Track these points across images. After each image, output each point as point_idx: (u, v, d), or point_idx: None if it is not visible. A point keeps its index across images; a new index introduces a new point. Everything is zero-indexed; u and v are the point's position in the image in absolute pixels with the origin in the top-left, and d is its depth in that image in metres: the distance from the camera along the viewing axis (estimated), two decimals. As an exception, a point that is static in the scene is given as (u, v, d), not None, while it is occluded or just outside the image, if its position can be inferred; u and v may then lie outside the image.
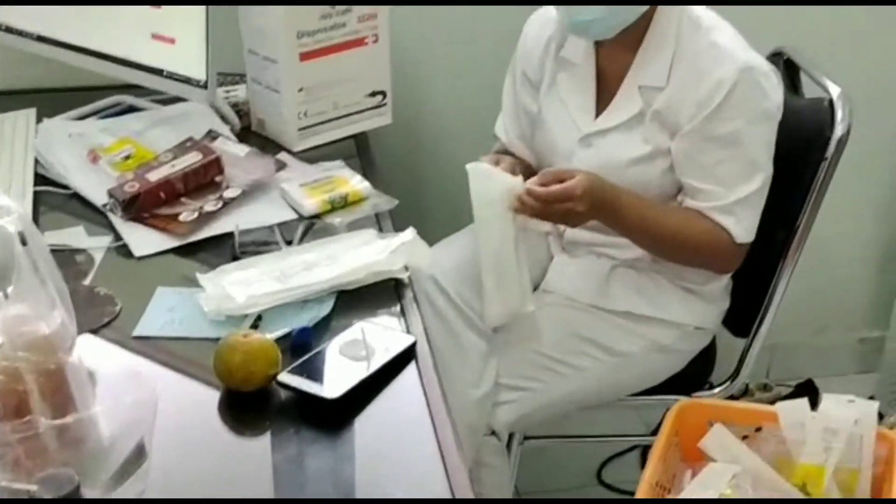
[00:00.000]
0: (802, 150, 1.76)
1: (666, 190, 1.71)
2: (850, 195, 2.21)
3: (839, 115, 1.74)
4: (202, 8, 1.66)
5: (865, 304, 2.63)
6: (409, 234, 1.45)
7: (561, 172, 1.59)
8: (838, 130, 1.74)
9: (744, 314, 1.88)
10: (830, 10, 2.24)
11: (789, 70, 1.92)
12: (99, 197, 1.60)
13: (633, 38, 1.66)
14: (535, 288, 1.78)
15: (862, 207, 2.48)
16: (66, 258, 1.44)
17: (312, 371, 1.21)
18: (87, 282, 1.42)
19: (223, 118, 1.84)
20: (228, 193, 1.60)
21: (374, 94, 1.87)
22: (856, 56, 2.24)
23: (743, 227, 1.66)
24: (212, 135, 1.74)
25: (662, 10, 1.65)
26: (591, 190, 1.57)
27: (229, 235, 1.50)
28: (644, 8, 1.62)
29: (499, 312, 1.67)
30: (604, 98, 1.73)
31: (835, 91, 1.77)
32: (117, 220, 1.55)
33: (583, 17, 1.60)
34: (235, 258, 1.46)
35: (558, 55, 1.77)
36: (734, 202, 1.64)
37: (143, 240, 1.52)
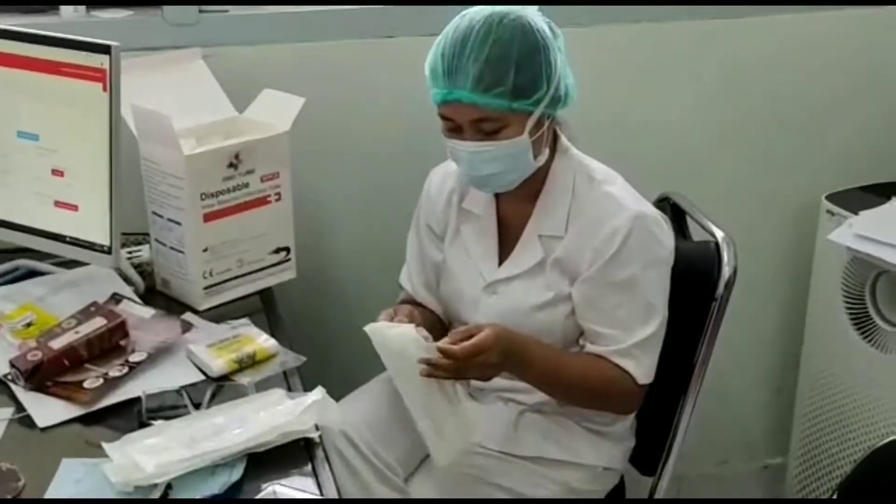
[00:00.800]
0: (694, 291, 1.84)
1: (568, 334, 1.76)
2: (742, 327, 2.30)
3: (725, 257, 1.83)
4: (106, 176, 1.67)
5: (765, 432, 2.70)
6: (318, 392, 1.46)
7: (468, 329, 1.62)
8: (726, 271, 1.83)
9: (649, 452, 1.92)
10: (711, 157, 2.39)
11: (676, 215, 2.02)
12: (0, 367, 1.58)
13: (531, 189, 1.74)
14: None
15: (753, 339, 2.57)
16: (-35, 433, 1.41)
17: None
18: (-12, 457, 1.39)
19: (127, 280, 1.85)
20: (134, 358, 1.60)
21: (278, 250, 1.90)
22: (735, 199, 2.37)
23: (643, 370, 1.71)
24: (116, 298, 1.74)
25: (558, 165, 1.74)
26: (501, 340, 1.61)
27: (136, 401, 1.49)
28: (541, 162, 1.69)
29: (446, 452, 1.67)
30: (506, 246, 1.80)
31: (719, 234, 1.87)
32: (19, 390, 1.53)
33: (483, 172, 1.67)
34: (143, 425, 1.45)
35: (460, 207, 1.83)
36: (633, 345, 1.70)
37: (47, 410, 1.49)
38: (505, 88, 1.58)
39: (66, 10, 2.00)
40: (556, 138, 1.75)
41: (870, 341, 2.29)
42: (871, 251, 2.16)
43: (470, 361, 1.59)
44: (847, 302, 2.32)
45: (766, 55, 2.35)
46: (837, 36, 2.38)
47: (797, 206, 2.48)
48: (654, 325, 1.71)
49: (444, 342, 1.59)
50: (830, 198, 2.37)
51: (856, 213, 2.26)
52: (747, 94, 2.38)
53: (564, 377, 1.72)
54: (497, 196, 1.80)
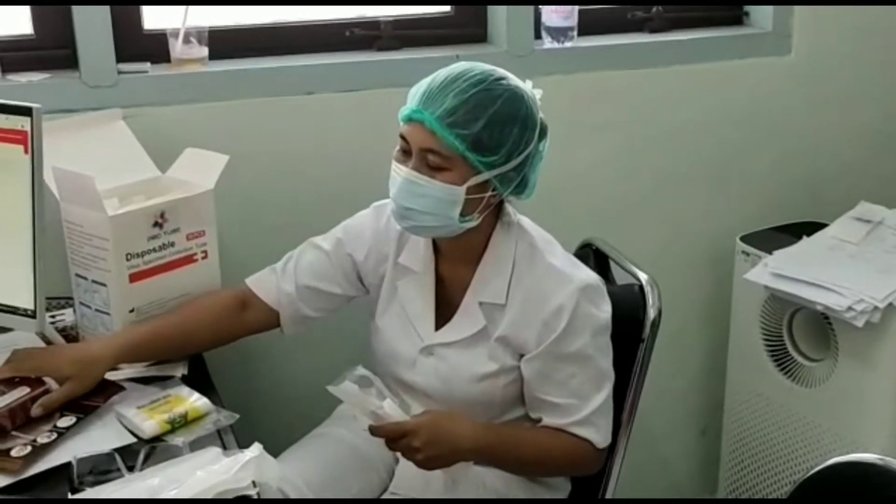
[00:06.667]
0: (621, 334, 1.86)
1: (508, 400, 1.77)
2: (665, 371, 2.34)
3: (650, 299, 1.88)
4: (28, 239, 1.64)
5: (692, 472, 2.74)
6: (256, 449, 1.44)
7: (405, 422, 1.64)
8: (651, 313, 1.87)
9: (584, 496, 1.94)
10: (627, 204, 2.45)
11: (599, 260, 2.06)
12: (-79, 439, 1.53)
13: (471, 255, 1.74)
14: (384, 490, 1.79)
15: (677, 381, 2.62)
16: None
17: None
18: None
19: (50, 344, 1.80)
20: (62, 423, 1.56)
21: (205, 308, 1.88)
22: (652, 244, 2.44)
23: (602, 434, 1.74)
24: (41, 363, 1.70)
25: (500, 235, 1.74)
26: (423, 428, 1.61)
27: (66, 467, 1.45)
28: (466, 226, 1.67)
29: None
30: (444, 308, 1.79)
31: (643, 277, 1.91)
32: (-58, 462, 1.48)
33: (406, 203, 1.65)
34: (74, 490, 1.41)
35: (396, 262, 1.81)
36: (590, 413, 1.72)
37: (-27, 480, 1.45)
38: (467, 133, 1.60)
39: (-19, 74, 1.98)
40: (501, 211, 1.75)
41: (790, 376, 2.36)
42: (787, 289, 2.23)
43: (395, 444, 1.62)
44: (766, 340, 2.39)
45: (678, 105, 2.44)
46: (739, 86, 2.49)
47: (713, 248, 2.56)
48: (606, 390, 1.74)
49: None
50: (745, 239, 2.45)
51: (770, 252, 2.34)
52: (661, 142, 2.46)
53: (525, 456, 1.74)
54: (436, 255, 1.79)
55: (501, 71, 1.67)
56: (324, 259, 1.84)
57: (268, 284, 1.85)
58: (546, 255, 1.74)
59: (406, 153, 1.66)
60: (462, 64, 1.67)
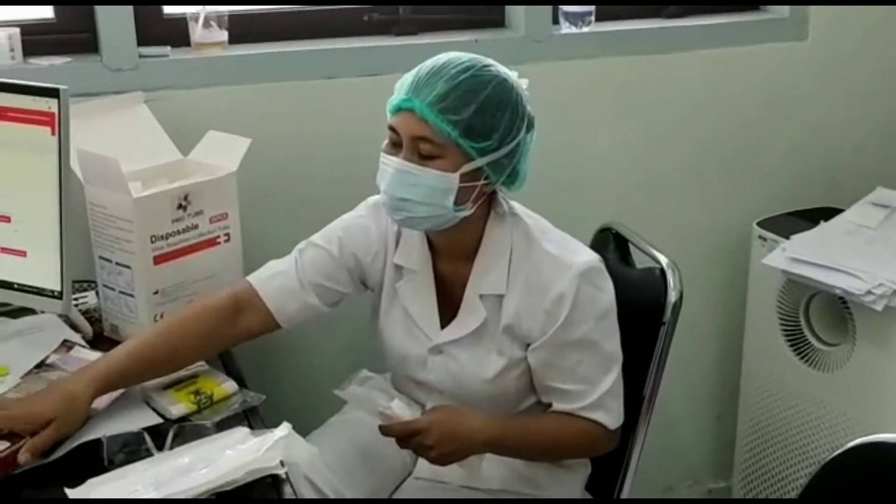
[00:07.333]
0: (642, 319, 1.87)
1: (521, 390, 1.77)
2: (682, 355, 2.34)
3: (671, 282, 1.87)
4: (55, 220, 1.65)
5: (708, 456, 2.75)
6: (284, 429, 1.45)
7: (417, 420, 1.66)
8: (672, 296, 1.86)
9: (604, 478, 1.94)
10: (645, 189, 2.46)
11: (619, 243, 2.07)
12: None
13: (467, 250, 1.72)
14: (408, 474, 1.80)
15: (693, 366, 2.63)
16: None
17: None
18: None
19: (74, 327, 1.82)
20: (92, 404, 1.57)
21: (228, 291, 1.89)
22: (669, 230, 2.43)
23: (614, 416, 1.74)
24: (67, 345, 1.71)
25: (495, 227, 1.72)
26: (434, 425, 1.62)
27: (94, 447, 1.46)
28: (461, 215, 1.64)
29: None
30: (446, 306, 1.76)
31: (664, 260, 1.91)
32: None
33: (399, 194, 1.62)
34: (105, 468, 1.42)
35: (393, 262, 1.78)
36: (600, 397, 1.72)
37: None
38: (459, 118, 1.57)
39: (3, 58, 1.98)
40: (493, 202, 1.73)
41: (806, 361, 2.36)
42: (806, 273, 2.24)
43: (406, 442, 1.63)
44: (783, 324, 2.39)
45: (695, 90, 2.45)
46: (756, 71, 2.49)
47: (729, 233, 2.56)
48: (615, 372, 1.74)
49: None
50: (762, 224, 2.45)
51: (786, 237, 2.34)
52: (678, 127, 2.46)
53: (538, 444, 1.75)
54: (432, 253, 1.76)
55: (487, 59, 1.65)
56: (326, 257, 1.78)
57: (271, 285, 1.76)
58: (542, 242, 1.71)
59: (396, 145, 1.63)
60: (446, 54, 1.65)
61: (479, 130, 1.59)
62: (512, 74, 1.66)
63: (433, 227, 1.67)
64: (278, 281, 1.75)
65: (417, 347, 1.77)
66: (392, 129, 1.63)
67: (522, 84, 1.68)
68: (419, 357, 1.77)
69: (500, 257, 1.71)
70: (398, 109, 1.62)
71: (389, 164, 1.62)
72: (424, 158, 1.60)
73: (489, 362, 1.73)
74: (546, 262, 1.69)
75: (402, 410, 1.64)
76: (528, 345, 1.72)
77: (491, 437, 1.68)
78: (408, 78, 1.63)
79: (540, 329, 1.70)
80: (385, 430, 1.63)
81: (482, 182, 1.64)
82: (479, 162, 1.61)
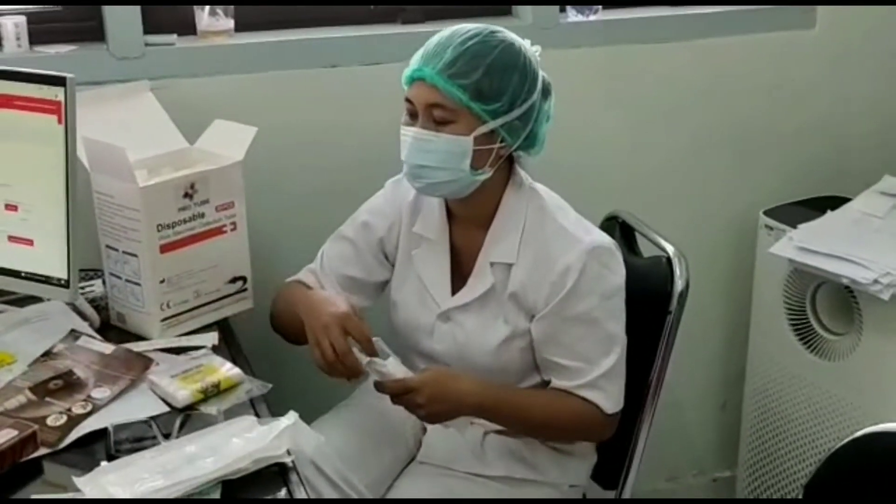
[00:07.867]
0: (648, 307, 1.87)
1: (524, 367, 1.78)
2: (687, 343, 2.34)
3: (677, 271, 1.88)
4: (62, 209, 1.66)
5: (712, 445, 2.75)
6: (291, 417, 1.46)
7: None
8: (679, 285, 1.87)
9: (610, 466, 1.95)
10: (652, 178, 2.45)
11: (625, 232, 2.07)
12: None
13: (483, 218, 1.76)
14: (412, 460, 1.80)
15: (699, 354, 2.63)
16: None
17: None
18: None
19: (81, 315, 1.82)
20: (97, 394, 1.57)
21: (234, 280, 1.89)
22: (675, 218, 2.43)
23: (611, 399, 1.74)
24: (75, 334, 1.72)
25: (511, 196, 1.76)
26: (427, 384, 1.64)
27: (100, 436, 1.46)
28: (480, 178, 1.69)
29: None
30: (459, 274, 1.80)
31: (670, 249, 1.91)
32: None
33: (418, 161, 1.69)
34: (111, 458, 1.43)
35: (411, 231, 1.84)
36: (598, 377, 1.72)
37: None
38: (468, 82, 1.63)
39: (10, 46, 1.98)
40: (511, 171, 1.77)
41: (813, 350, 2.36)
42: (813, 262, 2.23)
43: (399, 399, 1.65)
44: (789, 313, 2.39)
45: (702, 78, 2.44)
46: (763, 59, 2.48)
47: (736, 222, 2.55)
48: (616, 355, 1.74)
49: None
50: (768, 213, 2.44)
51: (793, 226, 2.34)
52: (685, 116, 2.45)
53: (531, 418, 1.75)
54: (450, 222, 1.81)
55: (496, 26, 1.71)
56: (349, 248, 1.87)
57: (311, 282, 1.87)
58: (558, 217, 1.75)
59: (413, 116, 1.70)
60: (454, 26, 1.71)
61: (489, 93, 1.65)
62: (524, 42, 1.71)
63: (453, 193, 1.73)
64: (312, 279, 1.86)
65: (427, 315, 1.80)
66: (408, 100, 1.70)
67: (535, 51, 1.72)
68: (428, 325, 1.80)
69: (514, 227, 1.74)
70: (412, 80, 1.68)
71: (407, 134, 1.69)
72: (439, 125, 1.66)
73: (494, 330, 1.75)
74: (558, 236, 1.72)
75: (396, 368, 1.66)
76: (533, 316, 1.73)
77: (482, 401, 1.69)
78: (419, 51, 1.70)
79: (544, 300, 1.71)
80: (379, 387, 1.65)
81: (498, 145, 1.69)
82: (491, 124, 1.66)
